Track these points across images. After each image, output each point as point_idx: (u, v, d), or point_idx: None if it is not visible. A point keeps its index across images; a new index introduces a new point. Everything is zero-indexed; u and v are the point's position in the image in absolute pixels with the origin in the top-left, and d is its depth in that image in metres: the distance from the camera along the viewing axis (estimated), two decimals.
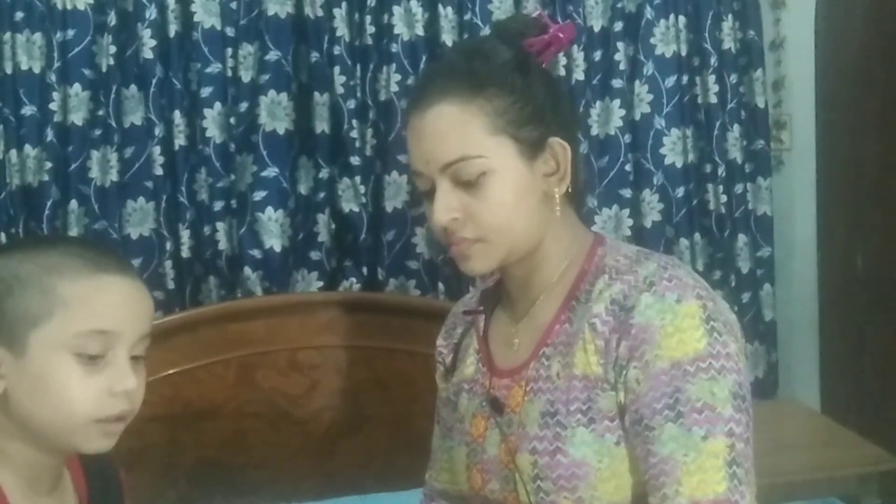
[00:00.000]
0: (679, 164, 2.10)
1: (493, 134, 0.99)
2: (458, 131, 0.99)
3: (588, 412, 0.98)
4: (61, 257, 0.91)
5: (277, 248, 1.94)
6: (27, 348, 0.89)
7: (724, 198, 2.12)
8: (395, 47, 1.97)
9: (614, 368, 0.97)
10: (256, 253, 1.93)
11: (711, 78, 2.10)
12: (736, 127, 2.11)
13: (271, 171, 1.93)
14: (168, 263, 1.93)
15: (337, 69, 1.94)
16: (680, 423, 0.93)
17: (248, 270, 1.92)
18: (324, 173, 1.97)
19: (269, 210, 1.94)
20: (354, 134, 1.97)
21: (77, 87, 1.89)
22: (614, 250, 1.06)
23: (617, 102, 2.06)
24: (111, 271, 0.92)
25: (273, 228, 1.94)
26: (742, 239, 2.14)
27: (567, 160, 1.03)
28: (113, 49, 1.89)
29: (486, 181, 0.99)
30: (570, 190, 1.03)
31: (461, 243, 1.01)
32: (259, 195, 1.93)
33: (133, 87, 1.92)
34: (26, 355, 0.89)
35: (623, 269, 1.01)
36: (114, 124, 1.91)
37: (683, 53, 2.09)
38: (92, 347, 0.90)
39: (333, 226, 1.98)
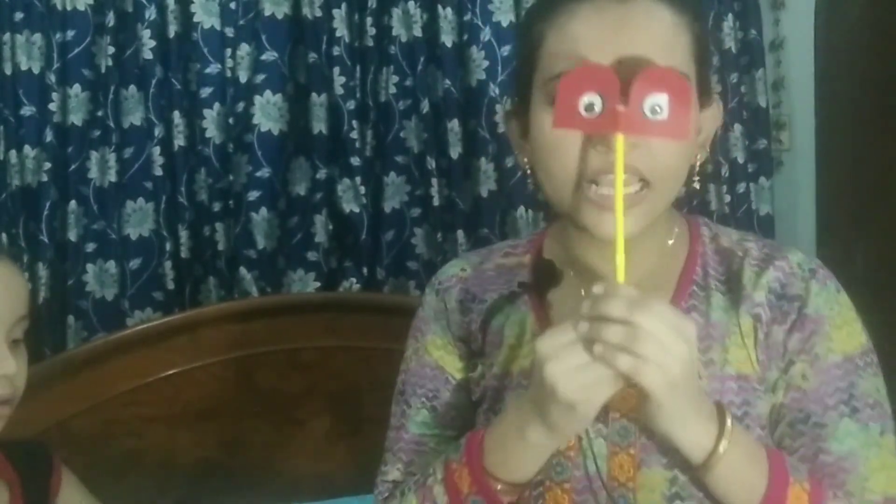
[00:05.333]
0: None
1: (692, 59, 0.86)
2: (670, 39, 0.84)
3: (743, 418, 0.87)
4: None
5: (271, 249, 1.95)
6: None
7: (727, 198, 2.12)
8: (393, 49, 1.97)
9: (779, 365, 0.89)
10: (251, 253, 1.93)
11: (713, 78, 2.09)
12: (737, 127, 2.11)
13: (265, 172, 1.93)
14: (168, 264, 1.93)
15: (336, 70, 1.94)
16: (857, 419, 0.87)
17: (243, 270, 1.92)
18: (321, 174, 1.97)
19: (264, 210, 1.94)
20: (354, 135, 1.96)
21: (76, 87, 1.89)
22: (722, 230, 0.97)
23: None
24: None
25: (267, 229, 1.94)
26: None
27: (715, 127, 0.92)
28: (112, 50, 1.89)
29: None
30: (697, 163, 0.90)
31: (625, 192, 0.81)
32: (253, 195, 1.93)
33: (132, 88, 1.92)
34: None
35: (762, 255, 0.92)
36: (113, 125, 1.91)
37: None
38: None
39: (331, 226, 1.98)
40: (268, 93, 1.93)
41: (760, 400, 0.88)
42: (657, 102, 0.78)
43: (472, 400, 1.01)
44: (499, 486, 0.86)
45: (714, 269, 0.93)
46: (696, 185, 0.90)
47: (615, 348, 0.73)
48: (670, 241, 0.94)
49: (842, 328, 0.90)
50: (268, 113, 1.94)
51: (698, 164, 0.90)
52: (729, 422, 0.81)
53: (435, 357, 1.03)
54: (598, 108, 0.78)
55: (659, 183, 0.84)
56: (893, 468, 0.88)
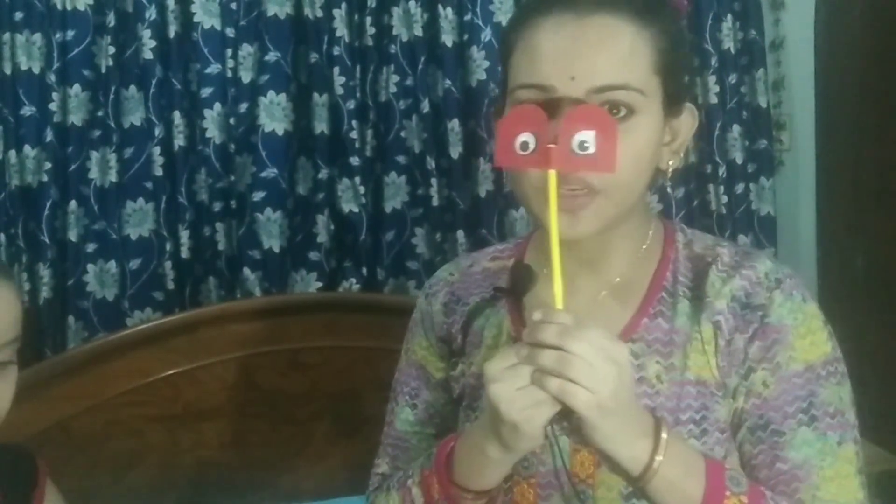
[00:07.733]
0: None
1: (654, 73, 0.89)
2: (628, 55, 0.88)
3: (701, 422, 0.91)
4: None
5: (276, 249, 1.95)
6: None
7: (724, 198, 2.12)
8: (393, 48, 1.97)
9: (739, 371, 0.91)
10: (255, 254, 1.93)
11: (712, 79, 2.09)
12: (735, 127, 2.11)
13: (270, 172, 1.93)
14: (168, 264, 1.93)
15: (336, 70, 1.94)
16: (814, 428, 0.90)
17: (246, 271, 1.92)
18: (323, 174, 1.97)
19: (269, 211, 1.94)
20: (354, 135, 1.96)
21: (77, 87, 1.89)
22: (698, 236, 1.00)
23: None
24: None
25: (272, 229, 1.94)
26: (742, 240, 2.14)
27: (690, 133, 0.96)
28: (112, 50, 1.89)
29: (633, 124, 0.88)
30: (670, 166, 0.94)
31: (575, 194, 0.86)
32: (258, 196, 1.93)
33: (133, 88, 1.92)
34: None
35: (732, 263, 0.94)
36: (113, 125, 1.91)
37: None
38: None
39: (332, 226, 1.99)
40: (271, 93, 1.93)
41: (719, 405, 0.91)
42: (584, 139, 0.81)
43: (453, 397, 1.06)
44: (466, 496, 0.91)
45: (684, 275, 0.96)
46: (669, 189, 0.95)
47: (549, 372, 0.77)
48: (644, 246, 0.98)
49: (805, 337, 0.92)
50: (272, 113, 1.94)
51: (670, 169, 0.95)
52: (664, 436, 0.82)
53: (419, 357, 1.10)
54: (532, 146, 0.83)
55: (613, 193, 0.88)
56: (847, 477, 0.91)
